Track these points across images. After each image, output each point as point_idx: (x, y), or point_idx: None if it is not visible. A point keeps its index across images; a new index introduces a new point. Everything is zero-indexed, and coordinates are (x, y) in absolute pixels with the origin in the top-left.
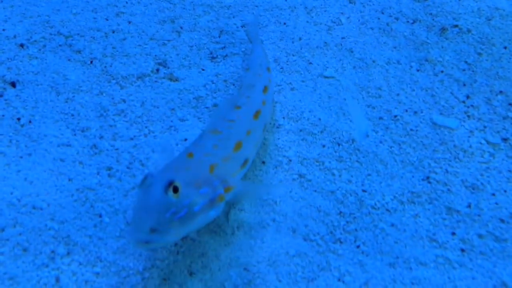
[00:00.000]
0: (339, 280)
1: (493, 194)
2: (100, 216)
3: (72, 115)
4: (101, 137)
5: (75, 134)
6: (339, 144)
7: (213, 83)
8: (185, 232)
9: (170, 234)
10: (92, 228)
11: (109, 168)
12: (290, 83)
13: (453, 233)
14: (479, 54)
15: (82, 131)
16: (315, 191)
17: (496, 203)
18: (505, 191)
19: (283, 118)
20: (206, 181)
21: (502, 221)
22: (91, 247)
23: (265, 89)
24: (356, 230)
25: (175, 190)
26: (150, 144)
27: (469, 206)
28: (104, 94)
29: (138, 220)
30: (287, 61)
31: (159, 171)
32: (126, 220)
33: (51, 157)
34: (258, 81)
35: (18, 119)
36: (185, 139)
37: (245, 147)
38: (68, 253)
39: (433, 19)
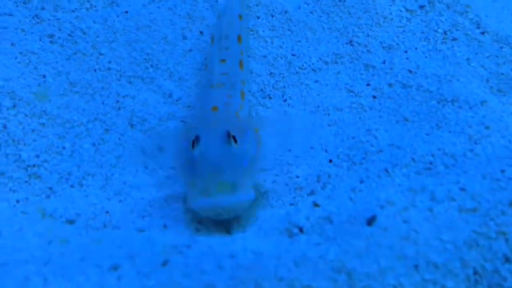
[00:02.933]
0: None
1: (406, 51)
2: (44, 76)
3: None
4: (42, 9)
5: (17, 6)
6: (272, 16)
7: None
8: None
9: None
10: (36, 87)
11: (51, 36)
12: None
13: (368, 84)
14: None
15: (24, 3)
16: (249, 56)
17: (407, 58)
18: (416, 48)
19: None
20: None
21: (410, 71)
22: (36, 103)
23: (239, 38)
24: (284, 87)
25: (235, 140)
26: (92, 16)
27: (384, 62)
28: None
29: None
30: None
31: (201, 131)
32: (70, 80)
33: None
34: (231, 30)
35: None
36: (126, 12)
37: (243, 92)
38: (14, 106)
39: None
